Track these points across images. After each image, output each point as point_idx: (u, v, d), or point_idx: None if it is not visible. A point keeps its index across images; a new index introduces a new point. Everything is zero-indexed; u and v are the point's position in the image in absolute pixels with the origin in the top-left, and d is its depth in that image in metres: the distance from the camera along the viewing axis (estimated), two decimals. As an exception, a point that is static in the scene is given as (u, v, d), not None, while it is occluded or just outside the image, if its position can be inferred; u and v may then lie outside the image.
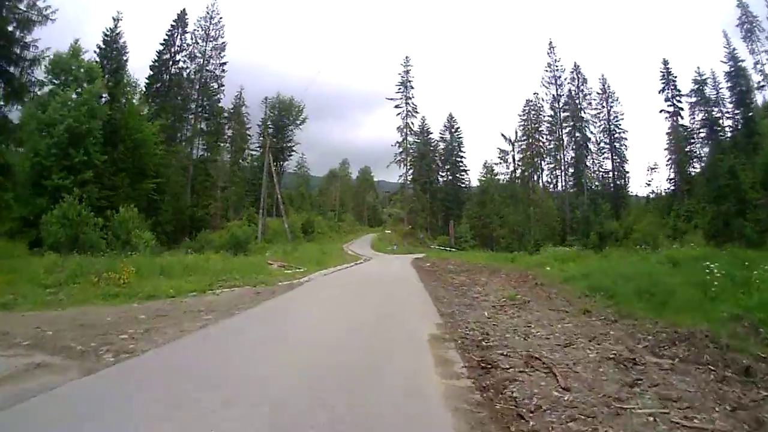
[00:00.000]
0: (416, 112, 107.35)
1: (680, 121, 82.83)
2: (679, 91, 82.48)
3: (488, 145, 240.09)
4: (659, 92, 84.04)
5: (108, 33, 57.87)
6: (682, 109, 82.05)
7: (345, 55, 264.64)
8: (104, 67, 52.81)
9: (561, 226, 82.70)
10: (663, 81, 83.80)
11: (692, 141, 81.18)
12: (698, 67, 76.45)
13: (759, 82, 68.27)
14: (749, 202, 50.65)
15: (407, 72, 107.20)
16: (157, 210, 54.64)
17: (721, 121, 75.46)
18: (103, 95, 51.25)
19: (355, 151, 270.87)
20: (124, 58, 58.22)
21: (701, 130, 78.51)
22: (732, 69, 71.56)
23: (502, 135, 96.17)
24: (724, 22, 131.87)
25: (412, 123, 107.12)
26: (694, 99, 77.83)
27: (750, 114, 68.63)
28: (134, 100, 58.34)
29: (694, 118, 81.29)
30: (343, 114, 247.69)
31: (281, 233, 68.49)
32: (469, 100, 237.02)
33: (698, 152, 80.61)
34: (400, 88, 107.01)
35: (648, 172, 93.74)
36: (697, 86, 76.19)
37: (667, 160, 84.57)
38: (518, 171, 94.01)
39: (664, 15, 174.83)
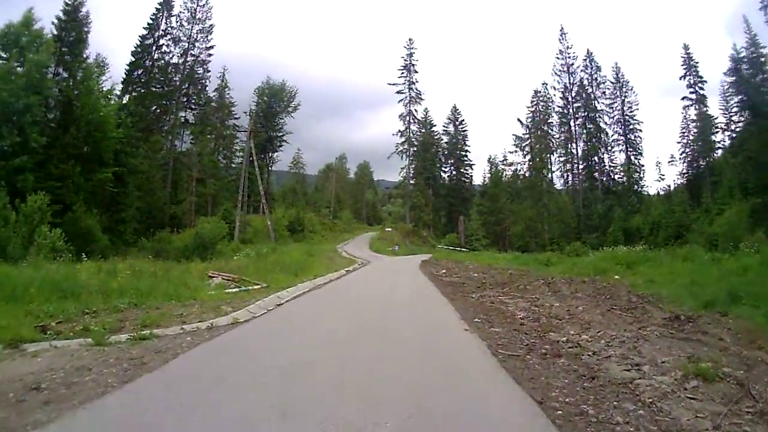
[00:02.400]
0: (420, 98, 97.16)
1: (703, 109, 76.50)
2: (701, 77, 76.31)
3: (492, 141, 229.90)
4: (680, 78, 77.60)
5: (69, 2, 49.53)
6: (705, 96, 76.01)
7: (348, 50, 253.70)
8: (62, 40, 46.65)
9: (576, 222, 75.26)
10: (684, 66, 77.21)
11: (716, 129, 74.73)
12: (734, 44, 68.62)
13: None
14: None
15: (410, 55, 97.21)
16: (118, 205, 47.34)
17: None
18: (60, 72, 46.28)
19: (357, 151, 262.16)
20: (86, 29, 50.24)
21: (737, 114, 70.08)
22: (754, 55, 63.88)
23: (519, 120, 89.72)
24: (743, 8, 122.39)
25: (416, 110, 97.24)
26: (732, 78, 68.16)
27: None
28: (102, 80, 51.71)
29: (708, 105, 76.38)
30: (346, 113, 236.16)
31: (265, 232, 58.62)
32: (473, 95, 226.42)
33: (723, 141, 74.60)
34: (402, 73, 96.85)
35: (656, 167, 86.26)
36: (735, 64, 66.47)
37: (681, 153, 79.82)
38: (536, 159, 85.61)
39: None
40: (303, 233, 74.53)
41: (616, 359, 8.29)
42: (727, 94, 71.12)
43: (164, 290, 15.23)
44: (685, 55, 76.78)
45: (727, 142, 72.74)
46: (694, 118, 76.97)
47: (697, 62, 76.29)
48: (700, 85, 75.76)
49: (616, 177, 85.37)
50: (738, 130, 69.46)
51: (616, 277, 21.47)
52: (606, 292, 16.75)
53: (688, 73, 76.44)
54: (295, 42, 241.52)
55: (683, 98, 77.37)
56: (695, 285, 16.31)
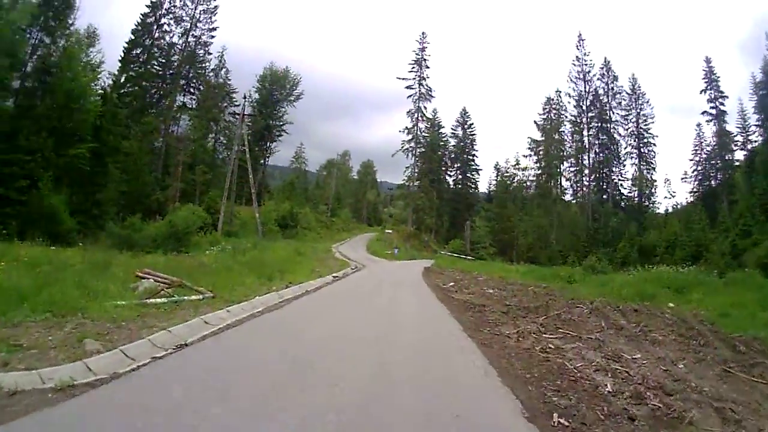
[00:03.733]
0: (431, 95, 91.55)
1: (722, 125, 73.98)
2: (722, 92, 73.18)
3: (497, 150, 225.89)
4: (701, 92, 74.46)
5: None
6: (725, 112, 72.97)
7: (360, 50, 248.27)
8: (50, 4, 41.97)
9: (585, 235, 71.08)
10: (705, 80, 74.08)
11: (735, 147, 72.64)
12: (765, 55, 64.21)
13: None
14: None
15: (423, 49, 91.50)
16: (94, 186, 42.28)
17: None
18: (43, 38, 41.73)
19: (363, 152, 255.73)
20: (77, -10, 46.35)
21: (757, 133, 68.10)
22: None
23: (535, 123, 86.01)
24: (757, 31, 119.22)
25: (425, 108, 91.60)
26: (762, 92, 64.91)
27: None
28: (90, 52, 47.22)
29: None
30: (354, 113, 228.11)
31: (254, 225, 53.94)
32: (482, 100, 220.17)
33: (738, 160, 72.35)
34: (413, 67, 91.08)
35: (665, 183, 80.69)
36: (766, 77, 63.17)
37: (693, 171, 77.18)
38: (549, 166, 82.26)
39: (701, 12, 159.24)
40: (296, 229, 69.02)
41: None
42: (744, 113, 69.05)
43: (49, 295, 9.96)
44: (707, 69, 74.04)
45: (742, 161, 70.23)
46: (711, 134, 74.52)
47: (718, 76, 73.28)
48: (720, 100, 72.78)
49: (626, 192, 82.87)
50: (753, 149, 66.86)
51: (671, 305, 17.26)
52: (688, 333, 11.88)
53: (709, 87, 73.32)
54: (305, 38, 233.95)
55: (703, 113, 74.58)
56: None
